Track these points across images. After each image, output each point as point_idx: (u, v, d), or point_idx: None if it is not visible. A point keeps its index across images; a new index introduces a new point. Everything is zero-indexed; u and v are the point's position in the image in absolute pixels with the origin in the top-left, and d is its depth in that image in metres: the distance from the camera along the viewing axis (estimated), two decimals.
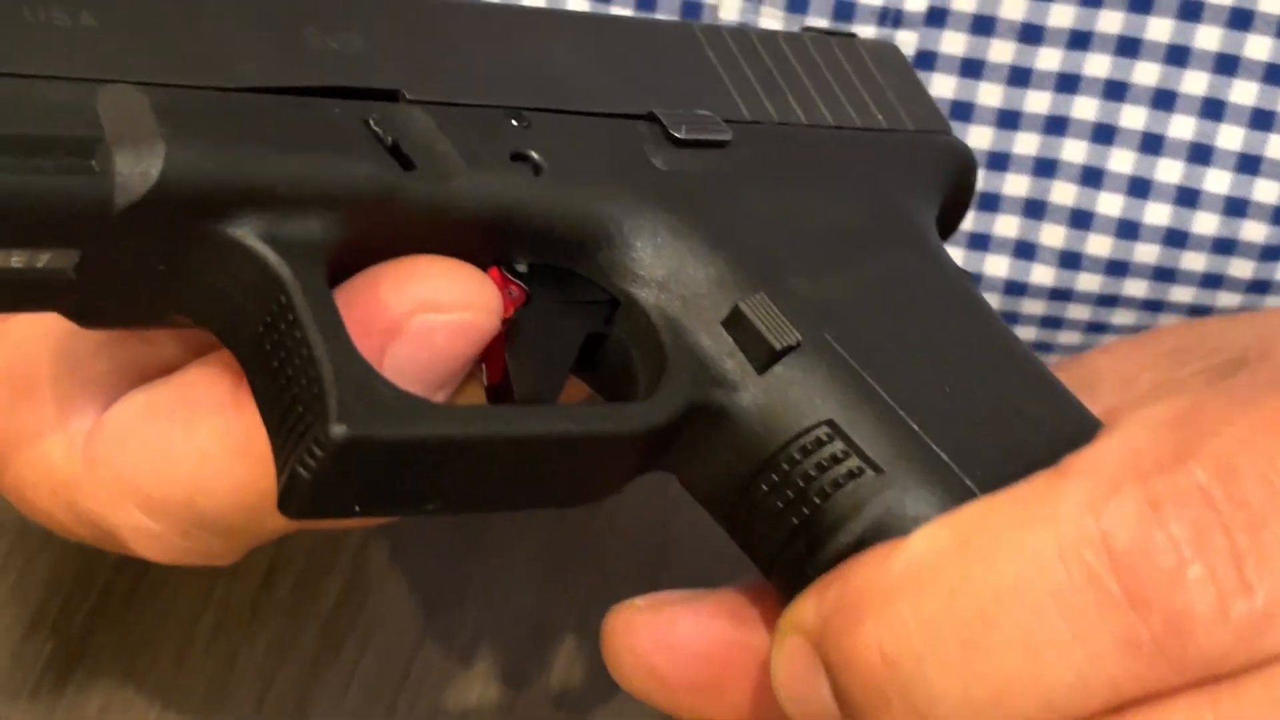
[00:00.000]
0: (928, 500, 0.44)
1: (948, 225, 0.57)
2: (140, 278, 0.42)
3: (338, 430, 0.39)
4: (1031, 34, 0.67)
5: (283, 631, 0.63)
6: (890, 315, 0.48)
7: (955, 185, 0.56)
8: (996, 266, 0.72)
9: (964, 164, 0.57)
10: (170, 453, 0.46)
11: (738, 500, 0.46)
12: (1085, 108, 0.67)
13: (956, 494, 0.44)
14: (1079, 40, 0.67)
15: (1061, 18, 0.67)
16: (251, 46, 0.44)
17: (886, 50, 0.58)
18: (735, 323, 0.46)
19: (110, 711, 0.58)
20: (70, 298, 0.42)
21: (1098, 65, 0.67)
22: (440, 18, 0.48)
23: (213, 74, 0.43)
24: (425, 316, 0.44)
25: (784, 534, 0.45)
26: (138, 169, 0.40)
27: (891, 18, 0.67)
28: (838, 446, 0.45)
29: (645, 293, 0.47)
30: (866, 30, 0.68)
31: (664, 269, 0.47)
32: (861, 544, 0.44)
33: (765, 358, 0.46)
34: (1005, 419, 0.47)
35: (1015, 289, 0.72)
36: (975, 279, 0.71)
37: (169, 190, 0.40)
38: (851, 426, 0.45)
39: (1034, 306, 0.72)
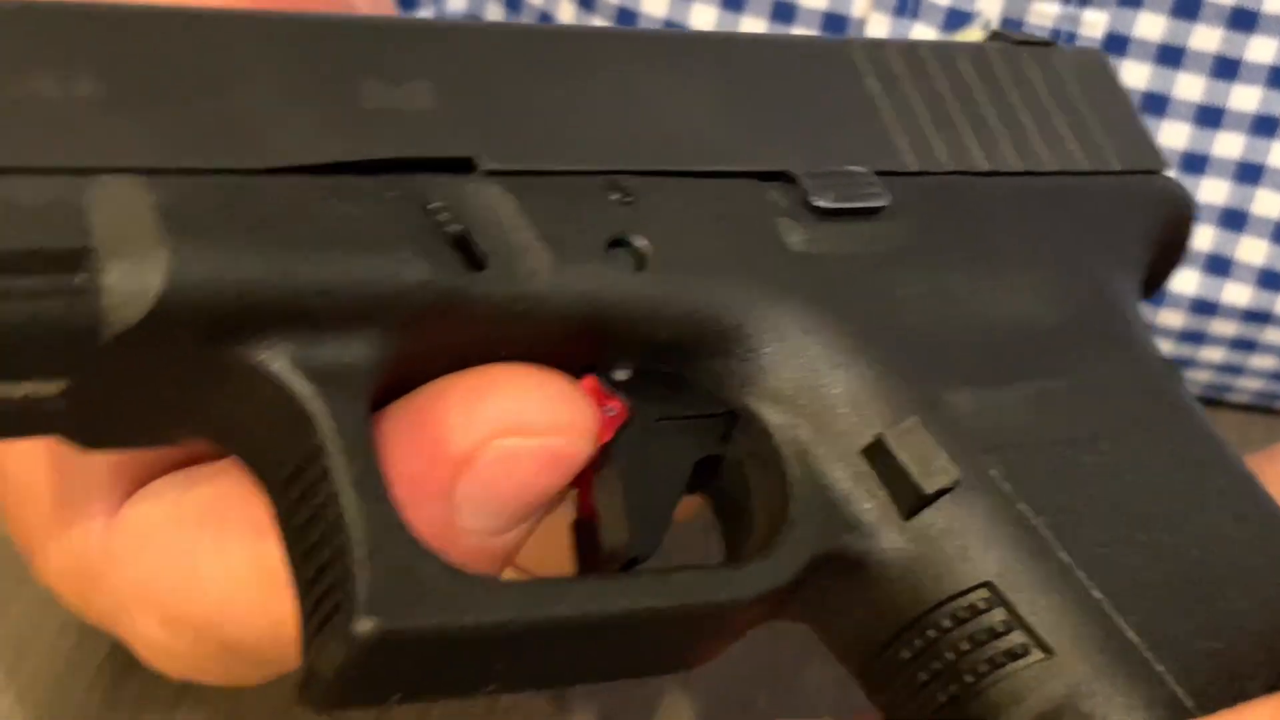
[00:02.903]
0: (1110, 702, 0.36)
1: (1150, 283, 0.48)
2: (145, 404, 0.35)
3: (365, 626, 0.33)
4: (1243, 20, 0.59)
5: None
6: (1073, 444, 0.40)
7: (1167, 241, 0.47)
8: (1185, 282, 0.63)
9: (1179, 215, 0.48)
10: (197, 570, 0.40)
11: (874, 660, 0.39)
12: None
13: (1144, 689, 0.37)
14: None
15: (1277, 3, 0.58)
16: (289, 111, 0.36)
17: (1089, 61, 0.48)
18: (878, 454, 0.38)
19: None
20: (62, 424, 0.35)
21: None
22: (525, 54, 0.40)
23: (238, 152, 0.35)
24: (505, 442, 0.37)
25: (927, 711, 0.38)
26: (133, 287, 0.32)
27: None
28: (998, 617, 0.37)
29: (769, 410, 0.39)
30: (1049, 7, 0.59)
31: (793, 381, 0.39)
32: None
33: (913, 501, 0.38)
34: (1210, 578, 0.39)
35: (1204, 308, 0.64)
36: (1159, 297, 0.63)
37: (172, 311, 0.33)
38: (1016, 592, 0.38)
39: (1224, 328, 0.64)
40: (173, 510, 0.40)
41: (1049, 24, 0.60)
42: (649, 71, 0.41)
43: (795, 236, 0.40)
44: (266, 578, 0.38)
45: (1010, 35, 0.48)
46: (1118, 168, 0.46)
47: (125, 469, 0.41)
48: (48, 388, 0.33)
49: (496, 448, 0.36)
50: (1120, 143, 0.47)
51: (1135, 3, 0.59)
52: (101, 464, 0.41)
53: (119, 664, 0.54)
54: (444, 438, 0.36)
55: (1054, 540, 0.38)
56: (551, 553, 0.40)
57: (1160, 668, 0.37)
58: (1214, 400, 0.68)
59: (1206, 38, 0.59)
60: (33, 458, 0.42)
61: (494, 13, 0.67)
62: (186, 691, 0.53)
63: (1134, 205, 0.46)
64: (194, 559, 0.39)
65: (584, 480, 0.38)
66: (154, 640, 0.41)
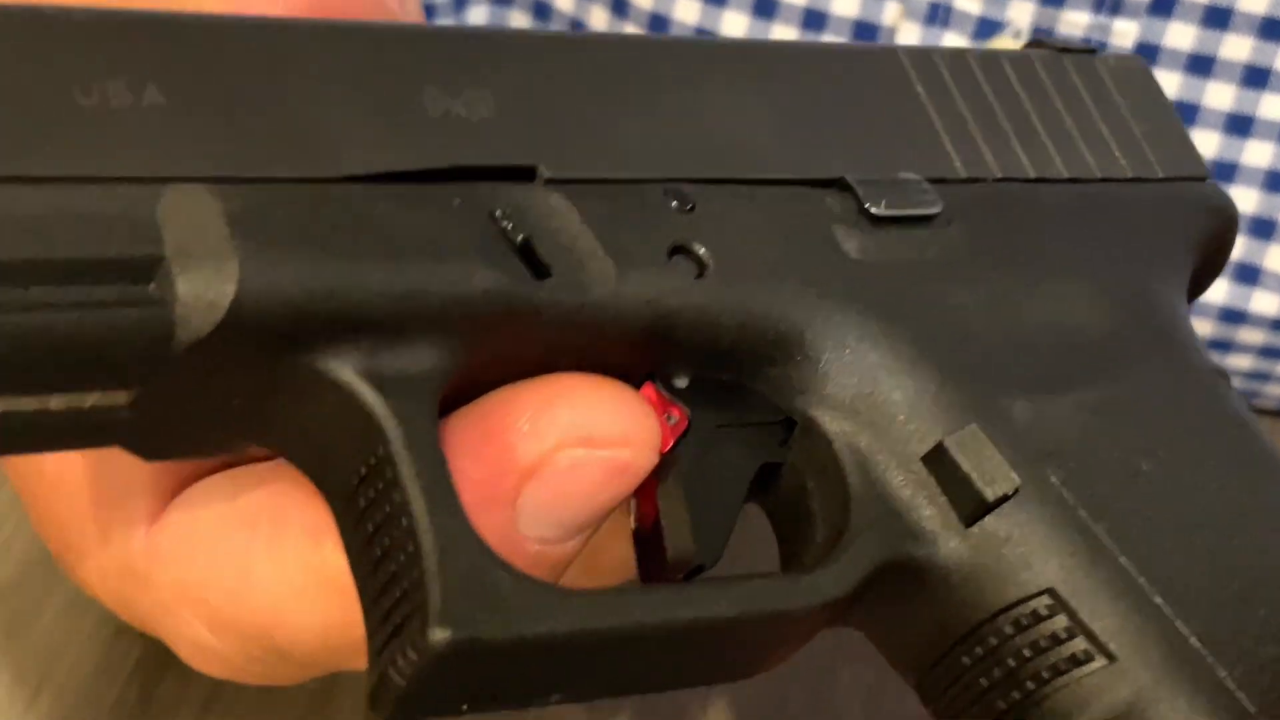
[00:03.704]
0: (1175, 708, 0.36)
1: (1194, 290, 0.47)
2: (211, 413, 0.34)
3: (439, 636, 0.32)
4: (1274, 30, 0.59)
5: None
6: (1130, 451, 0.39)
7: (1211, 248, 0.47)
8: (1213, 291, 0.63)
9: (1223, 222, 0.47)
10: (249, 573, 0.39)
11: (933, 668, 0.38)
12: None
13: (1208, 696, 0.36)
14: None
15: None
16: (355, 121, 0.35)
17: (1132, 70, 0.48)
18: (938, 461, 0.38)
19: None
20: (127, 434, 0.34)
21: None
22: (583, 63, 0.39)
23: (305, 161, 0.35)
24: (573, 452, 0.36)
25: (988, 718, 0.38)
26: (206, 296, 0.32)
27: (1109, 4, 0.59)
28: (1060, 623, 0.37)
29: (828, 417, 0.38)
30: (1080, 16, 0.59)
31: (853, 388, 0.39)
32: None
33: (974, 508, 0.38)
34: (1269, 584, 0.38)
35: (1232, 316, 0.64)
36: None
37: (243, 321, 0.32)
38: (1078, 598, 0.37)
39: (1253, 336, 0.64)
40: (224, 512, 0.40)
41: (1079, 33, 0.60)
42: (704, 80, 0.41)
43: (852, 244, 0.40)
44: (321, 582, 0.38)
45: (1053, 43, 0.48)
46: (1162, 175, 0.46)
47: (169, 470, 0.41)
48: (117, 397, 0.33)
49: (564, 457, 0.36)
50: (1164, 150, 0.47)
51: (1166, 12, 0.59)
52: (144, 465, 0.41)
53: (152, 665, 0.54)
54: (511, 445, 0.36)
55: (1115, 547, 0.38)
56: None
57: (1223, 674, 0.36)
58: None
59: (1237, 47, 0.59)
60: (70, 456, 0.42)
61: (520, 20, 0.66)
62: (220, 693, 0.53)
63: (1179, 212, 0.46)
64: (246, 561, 0.39)
65: (644, 489, 0.38)
66: (199, 642, 0.41)
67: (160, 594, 0.41)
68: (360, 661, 0.38)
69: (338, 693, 0.54)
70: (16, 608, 0.55)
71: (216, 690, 0.54)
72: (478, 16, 0.67)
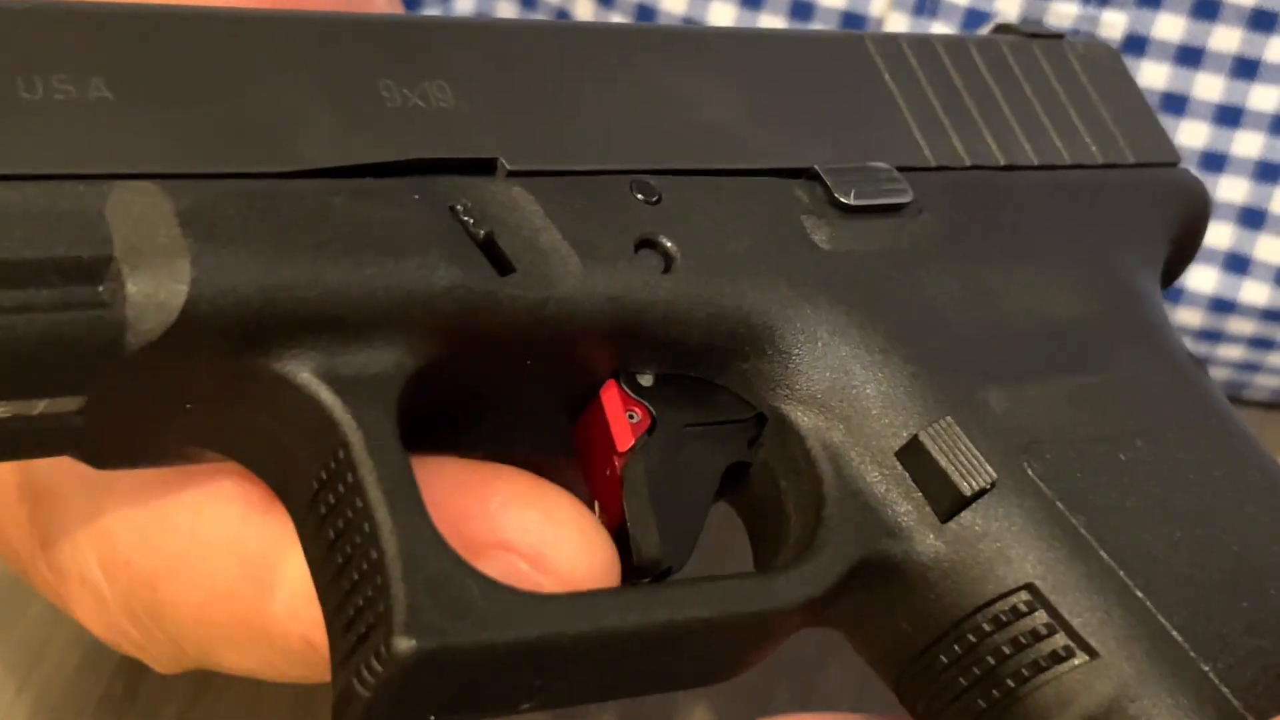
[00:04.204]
0: (1158, 703, 0.36)
1: (1168, 275, 0.47)
2: (165, 419, 0.34)
3: (404, 646, 0.31)
4: (1263, 21, 0.58)
5: None
6: (1109, 441, 0.39)
7: (1184, 233, 0.46)
8: (1203, 281, 0.63)
9: (1195, 206, 0.47)
10: (163, 516, 0.38)
11: (910, 667, 0.38)
12: None
13: (1192, 690, 0.36)
14: None
15: None
16: (310, 114, 0.35)
17: (1100, 55, 0.48)
18: (913, 455, 0.37)
19: None
20: (78, 442, 0.34)
21: None
22: (545, 51, 0.39)
23: (258, 156, 0.34)
24: (517, 562, 0.36)
25: (967, 717, 0.37)
26: (157, 297, 0.31)
27: None
28: (1039, 620, 0.37)
29: (800, 412, 0.38)
30: (1068, 8, 0.59)
31: (825, 382, 0.38)
32: None
33: (950, 503, 0.37)
34: (1251, 574, 0.38)
35: (1222, 306, 0.63)
36: (1177, 292, 0.62)
37: (197, 321, 0.32)
38: (1058, 593, 0.37)
39: (1243, 326, 0.64)
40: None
41: (1068, 24, 0.59)
42: (669, 69, 0.40)
43: (822, 234, 0.39)
44: (226, 550, 0.37)
45: (1021, 29, 0.47)
46: (1133, 160, 0.46)
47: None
48: (66, 404, 0.32)
49: (507, 560, 0.36)
50: (1134, 136, 0.46)
51: (1154, 3, 0.58)
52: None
53: (137, 662, 0.53)
54: (473, 515, 0.36)
55: (1094, 540, 0.37)
56: None
57: (1206, 668, 0.36)
58: (1232, 398, 0.67)
59: (1226, 38, 0.59)
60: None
61: (508, 10, 0.66)
62: (204, 689, 0.53)
63: (1151, 198, 0.46)
64: (166, 505, 0.38)
65: (609, 491, 0.37)
66: (89, 581, 0.40)
67: (72, 524, 0.40)
68: (228, 659, 0.38)
69: (323, 690, 0.54)
70: (1, 604, 0.54)
71: (201, 686, 0.53)
72: (464, 6, 0.66)
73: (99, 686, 0.53)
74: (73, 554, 0.40)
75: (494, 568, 0.34)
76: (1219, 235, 0.62)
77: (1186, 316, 0.63)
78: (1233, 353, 0.65)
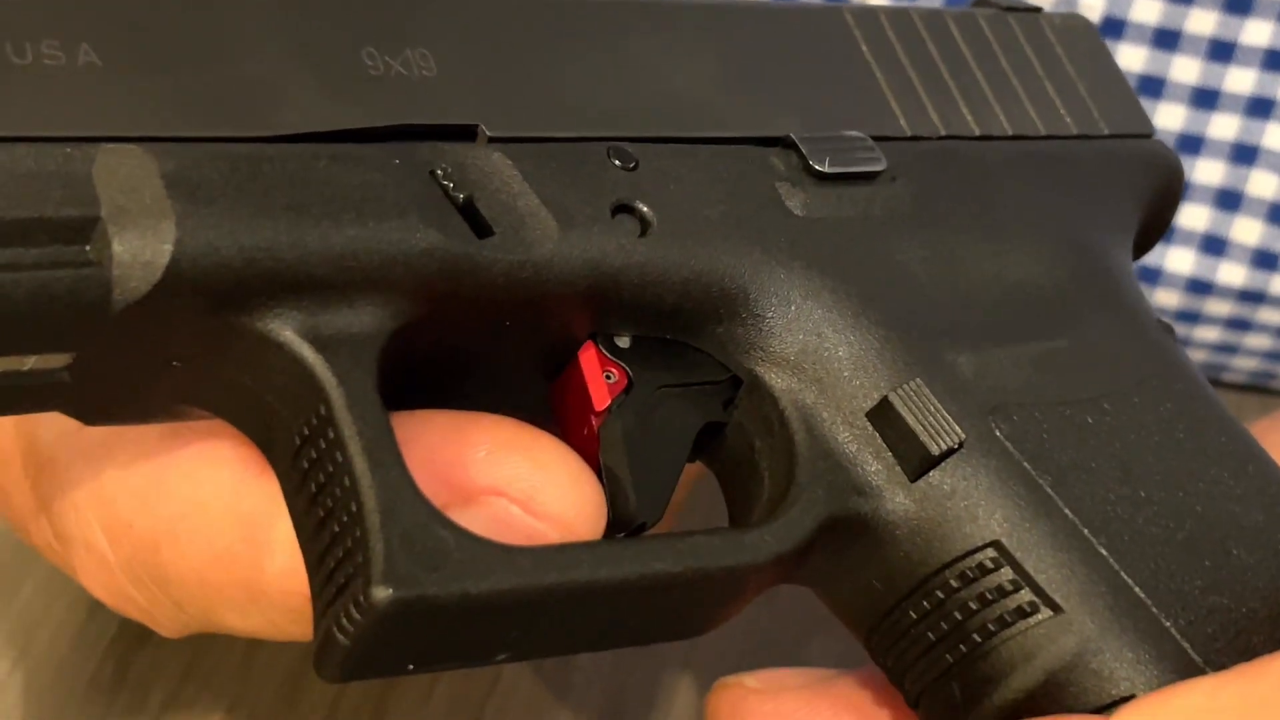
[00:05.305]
0: (1119, 657, 0.36)
1: (1142, 245, 0.48)
2: (151, 376, 0.34)
3: (382, 595, 0.32)
4: (1239, 4, 0.59)
5: None
6: (1075, 404, 0.40)
7: (1157, 204, 0.47)
8: (1180, 262, 0.64)
9: (1169, 178, 0.47)
10: (162, 480, 0.39)
11: (880, 623, 0.39)
12: None
13: (1152, 644, 0.37)
14: None
15: None
16: (294, 80, 0.35)
17: (1076, 27, 0.48)
18: (883, 416, 0.38)
19: (173, 708, 0.54)
20: (66, 398, 0.34)
21: None
22: (525, 20, 0.39)
23: (243, 120, 0.34)
24: (509, 506, 0.36)
25: (935, 672, 0.38)
26: (142, 256, 0.32)
27: None
28: (1005, 576, 0.37)
29: (773, 374, 0.39)
30: None
31: (797, 344, 0.39)
32: (1032, 702, 0.37)
33: (919, 462, 0.38)
34: (1214, 534, 0.39)
35: (1199, 287, 0.64)
36: (1155, 274, 0.63)
37: (181, 281, 0.32)
38: (1023, 550, 0.37)
39: (1219, 307, 0.65)
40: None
41: (1047, 6, 0.60)
42: (648, 38, 0.41)
43: (796, 201, 0.40)
44: (225, 511, 0.38)
45: (997, 1, 0.48)
46: (1107, 132, 0.46)
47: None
48: (55, 361, 0.33)
49: (497, 505, 0.36)
50: (1109, 107, 0.47)
51: None
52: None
53: (128, 641, 0.54)
54: (459, 470, 0.36)
55: (1059, 499, 0.38)
56: None
57: (1167, 623, 0.37)
58: (1210, 380, 0.68)
59: (1202, 21, 0.59)
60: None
61: None
62: (195, 667, 0.54)
63: (1125, 169, 0.46)
64: (164, 468, 0.39)
65: (586, 449, 0.38)
66: (94, 547, 0.41)
67: (74, 490, 0.40)
68: (230, 620, 0.39)
69: (310, 676, 0.55)
70: None
71: (192, 664, 0.54)
72: None
73: (90, 665, 0.53)
74: (76, 520, 0.40)
75: (486, 513, 0.35)
76: (1196, 217, 0.62)
77: (1164, 298, 0.64)
78: (1210, 334, 0.65)
